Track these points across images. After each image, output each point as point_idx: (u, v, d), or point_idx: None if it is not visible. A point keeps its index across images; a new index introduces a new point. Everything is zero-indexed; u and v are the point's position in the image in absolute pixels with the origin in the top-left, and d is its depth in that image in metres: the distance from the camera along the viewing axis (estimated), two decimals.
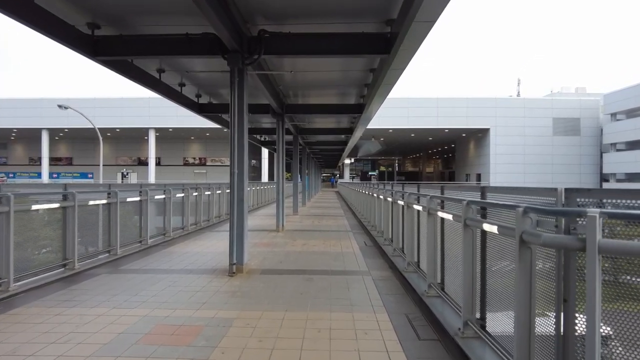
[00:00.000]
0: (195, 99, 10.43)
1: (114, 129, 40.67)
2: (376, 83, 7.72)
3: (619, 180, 39.48)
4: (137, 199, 8.01)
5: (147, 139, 40.65)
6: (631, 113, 38.28)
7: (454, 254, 3.82)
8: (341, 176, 67.67)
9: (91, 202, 6.64)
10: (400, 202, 6.56)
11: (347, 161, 64.14)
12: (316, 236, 9.39)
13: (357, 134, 15.54)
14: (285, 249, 7.62)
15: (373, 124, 36.98)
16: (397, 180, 58.65)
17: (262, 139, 19.45)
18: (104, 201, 6.79)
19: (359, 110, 10.40)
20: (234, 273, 5.42)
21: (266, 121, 12.78)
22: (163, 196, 9.21)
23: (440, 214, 4.13)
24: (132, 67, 6.99)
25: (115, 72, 6.51)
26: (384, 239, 7.90)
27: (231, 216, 5.53)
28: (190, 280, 5.13)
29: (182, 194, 10.37)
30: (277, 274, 5.56)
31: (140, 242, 8.01)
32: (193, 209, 11.11)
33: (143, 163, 45.83)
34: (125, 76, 6.99)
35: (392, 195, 7.78)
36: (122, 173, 48.10)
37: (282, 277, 5.35)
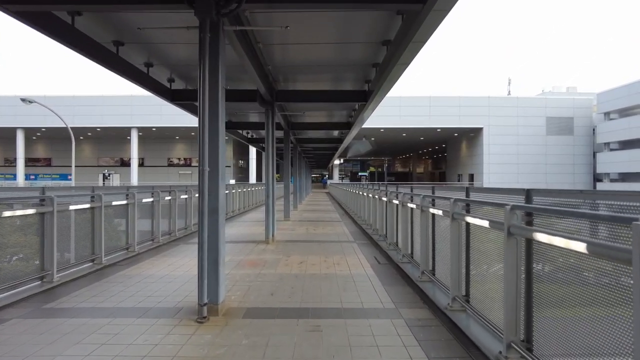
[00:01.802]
0: (167, 84, 8.70)
1: (95, 128, 39.22)
2: (393, 57, 6.11)
3: (612, 180, 39.10)
4: (87, 206, 6.26)
5: (130, 139, 38.88)
6: (624, 112, 37.99)
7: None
8: (330, 177, 66.60)
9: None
10: (433, 211, 4.99)
11: (337, 162, 63.03)
12: (314, 249, 7.74)
13: (355, 130, 13.94)
14: (277, 270, 5.94)
15: (364, 123, 36.00)
16: (388, 181, 57.68)
17: (249, 135, 17.70)
18: (32, 211, 5.03)
19: (362, 98, 8.78)
20: (204, 317, 3.73)
21: (253, 110, 11.06)
22: (125, 201, 7.46)
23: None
24: (73, 31, 5.24)
25: (45, 34, 4.75)
26: (402, 256, 6.30)
27: (200, 234, 3.83)
28: (139, 332, 3.44)
29: (151, 199, 8.63)
30: (268, 317, 3.87)
31: (93, 260, 6.27)
32: (166, 216, 9.37)
33: (126, 164, 44.49)
34: (65, 44, 5.24)
35: (411, 200, 6.22)
36: (104, 174, 46.82)
37: (274, 323, 3.67)
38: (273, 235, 8.64)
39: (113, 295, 4.60)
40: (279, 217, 13.58)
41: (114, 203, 7.16)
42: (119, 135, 41.93)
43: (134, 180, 40.31)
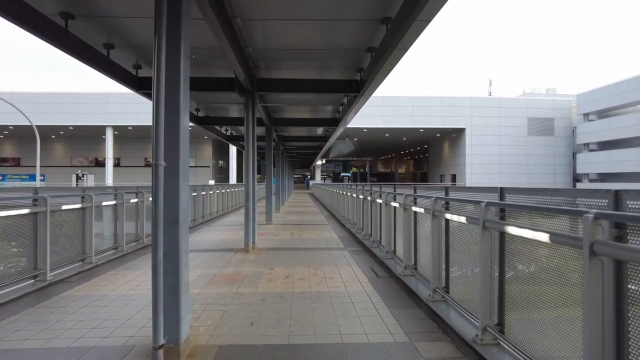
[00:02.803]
0: (133, 71, 7.64)
1: (67, 126, 37.45)
2: (392, 39, 5.24)
3: (591, 180, 39.50)
4: (26, 211, 5.16)
5: (105, 138, 37.37)
6: (603, 113, 38.45)
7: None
8: (312, 177, 65.88)
9: None
10: (450, 217, 4.14)
11: (319, 162, 62.29)
12: (301, 259, 6.80)
13: (342, 128, 13.03)
14: (258, 287, 4.97)
15: (348, 123, 35.30)
16: (370, 182, 57.24)
17: (228, 132, 16.60)
18: None
19: (354, 88, 7.89)
20: None
21: (231, 102, 10.01)
22: (79, 205, 6.37)
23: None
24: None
25: None
26: (404, 267, 5.42)
27: (154, 252, 2.82)
28: None
29: (114, 201, 7.53)
30: None
31: (35, 277, 5.19)
32: (132, 220, 8.29)
33: (101, 164, 43.14)
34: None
35: (414, 202, 5.37)
36: (77, 175, 45.10)
37: None
38: (254, 243, 7.65)
39: (46, 327, 3.56)
40: (261, 221, 12.59)
41: (65, 207, 6.05)
42: (94, 135, 40.36)
43: (109, 180, 38.97)
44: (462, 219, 3.72)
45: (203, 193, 13.81)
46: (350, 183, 54.24)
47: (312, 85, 8.01)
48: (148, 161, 46.52)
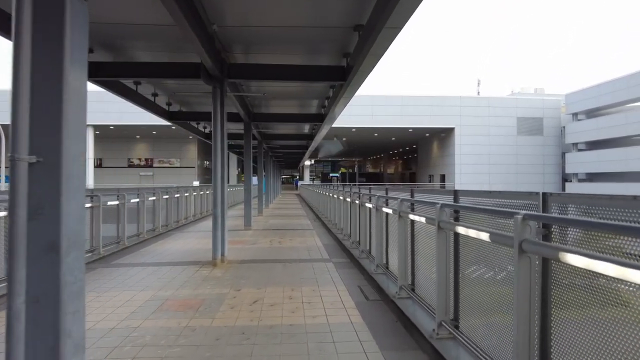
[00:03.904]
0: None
1: None
2: (382, 13, 4.26)
3: (580, 180, 39.23)
4: None
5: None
6: (591, 113, 38.20)
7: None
8: (301, 178, 65.01)
9: None
10: (462, 231, 3.24)
11: (307, 162, 61.41)
12: (277, 275, 5.76)
13: (328, 125, 12.02)
14: (215, 320, 3.91)
15: (336, 123, 34.52)
16: (359, 182, 56.48)
17: (206, 130, 15.46)
18: None
19: (340, 75, 6.89)
20: None
21: (203, 93, 8.89)
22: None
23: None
24: None
25: None
26: (399, 288, 4.41)
27: (10, 302, 1.76)
28: None
29: None
30: None
31: None
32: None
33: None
34: None
35: (411, 208, 4.40)
36: None
37: None
38: (223, 255, 6.57)
39: None
40: (239, 225, 11.52)
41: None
42: None
43: (90, 182, 37.49)
44: (483, 235, 2.76)
45: (177, 195, 12.66)
46: (338, 184, 53.41)
47: (292, 72, 6.99)
48: (131, 162, 45.19)
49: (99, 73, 6.65)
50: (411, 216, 4.14)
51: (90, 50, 6.57)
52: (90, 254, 7.17)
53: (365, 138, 43.53)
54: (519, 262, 2.12)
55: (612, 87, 34.37)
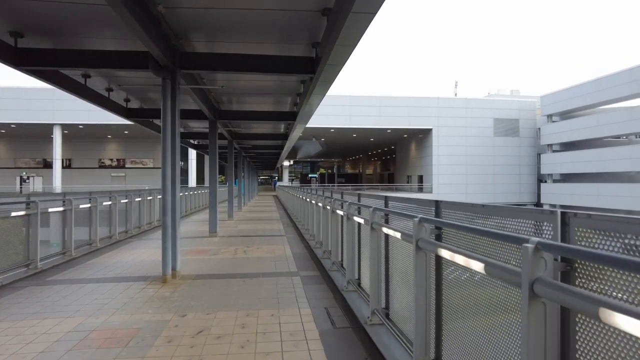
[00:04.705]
0: (11, 41, 5.64)
1: (9, 124, 34.04)
2: None
3: (555, 181, 39.79)
4: None
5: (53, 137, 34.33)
6: (565, 115, 38.74)
7: None
8: (280, 178, 64.19)
9: None
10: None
11: (286, 163, 60.72)
12: (233, 296, 5.01)
13: (302, 124, 11.31)
14: (146, 355, 3.15)
15: (314, 123, 33.84)
16: (338, 183, 56.06)
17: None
18: None
19: (309, 67, 6.20)
20: None
21: (154, 85, 8.04)
22: None
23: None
24: None
25: None
26: (371, 312, 3.74)
27: None
28: None
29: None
30: None
31: None
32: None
33: (50, 165, 39.44)
34: None
35: (385, 219, 3.75)
36: (22, 177, 41.44)
37: None
38: (175, 270, 5.77)
39: None
40: (203, 232, 10.68)
41: None
42: (41, 134, 36.80)
43: (57, 183, 35.87)
44: (475, 265, 2.11)
45: (138, 199, 11.72)
46: (317, 185, 52.78)
47: (256, 63, 6.26)
48: (102, 162, 43.78)
49: (30, 61, 5.76)
50: (385, 229, 3.47)
51: (20, 35, 5.69)
52: (24, 269, 6.28)
53: (344, 139, 43.14)
54: (528, 309, 1.49)
55: (585, 90, 34.87)
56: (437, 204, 2.70)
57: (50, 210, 7.21)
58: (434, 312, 2.70)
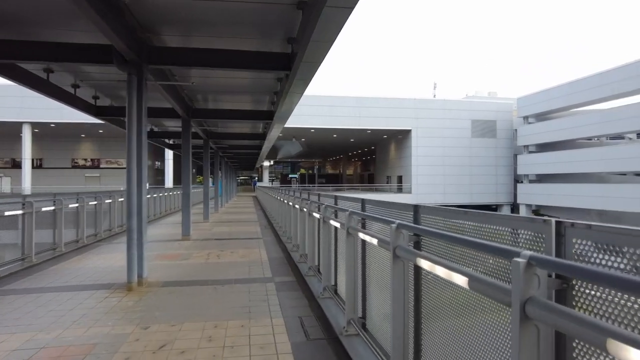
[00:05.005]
0: None
1: None
2: None
3: (531, 181, 40.55)
4: None
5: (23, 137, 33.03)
6: (541, 116, 39.54)
7: None
8: (260, 179, 63.61)
9: None
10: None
11: (267, 163, 60.23)
12: (202, 305, 4.71)
13: (280, 124, 11.03)
14: None
15: (294, 123, 33.53)
16: (318, 183, 55.92)
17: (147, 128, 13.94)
18: None
19: (284, 64, 5.95)
20: None
21: (116, 78, 7.64)
22: None
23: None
24: None
25: None
26: (347, 322, 3.53)
27: None
28: None
29: None
30: None
31: None
32: None
33: (19, 165, 37.92)
34: None
35: (362, 225, 3.55)
36: None
37: None
38: (141, 277, 5.43)
39: None
40: (176, 235, 10.29)
41: None
42: (10, 132, 35.18)
43: (26, 184, 34.46)
44: (458, 279, 1.88)
45: (108, 201, 11.21)
46: (297, 185, 52.43)
47: (229, 57, 5.97)
48: (75, 162, 42.43)
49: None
50: (361, 235, 3.26)
51: None
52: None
53: (324, 139, 43.01)
54: (519, 330, 1.31)
55: (560, 92, 35.67)
56: (415, 208, 2.49)
57: (7, 213, 6.74)
58: (413, 326, 2.50)
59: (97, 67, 7.10)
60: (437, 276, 1.98)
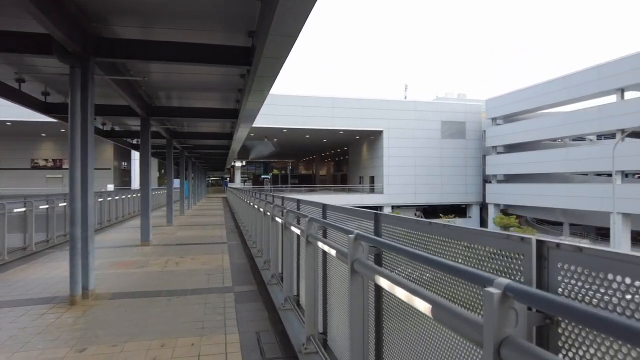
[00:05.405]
0: None
1: None
2: None
3: (499, 181, 41.55)
4: None
5: None
6: (509, 118, 40.58)
7: None
8: (232, 180, 62.56)
9: None
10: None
11: (239, 164, 59.28)
12: (151, 320, 4.29)
13: (246, 124, 10.62)
14: None
15: (266, 123, 32.93)
16: (291, 184, 55.47)
17: (104, 127, 13.19)
18: None
19: (244, 58, 5.60)
20: None
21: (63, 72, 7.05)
22: None
23: None
24: None
25: None
26: (306, 339, 3.22)
27: None
28: None
29: None
30: None
31: None
32: None
33: None
34: None
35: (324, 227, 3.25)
36: None
37: None
38: (87, 289, 4.94)
39: None
40: (135, 240, 9.71)
41: None
42: None
43: None
44: (421, 304, 1.57)
45: (63, 204, 10.47)
46: (270, 186, 51.76)
47: (187, 51, 5.57)
48: (35, 163, 40.51)
49: None
50: (320, 244, 2.96)
51: None
52: None
53: (296, 139, 42.68)
54: None
55: (527, 95, 36.67)
56: (376, 217, 2.21)
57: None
58: (374, 348, 2.22)
59: (41, 59, 6.52)
60: (400, 299, 1.70)
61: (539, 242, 1.09)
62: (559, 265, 1.04)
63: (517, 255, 1.18)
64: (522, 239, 1.15)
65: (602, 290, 0.92)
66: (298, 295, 4.32)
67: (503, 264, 1.23)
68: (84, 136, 4.99)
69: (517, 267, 1.18)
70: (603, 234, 30.85)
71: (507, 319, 1.03)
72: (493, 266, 1.28)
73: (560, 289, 1.04)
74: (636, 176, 34.11)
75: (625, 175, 29.32)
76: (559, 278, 1.04)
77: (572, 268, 1.00)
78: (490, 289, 1.04)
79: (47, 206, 9.80)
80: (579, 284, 0.99)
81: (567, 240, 29.67)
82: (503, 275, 1.23)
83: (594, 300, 0.94)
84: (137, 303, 4.81)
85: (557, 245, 1.05)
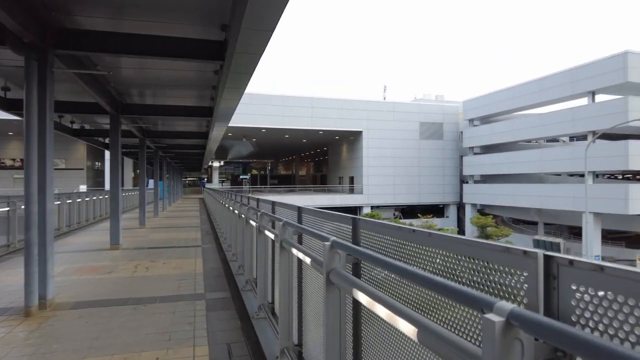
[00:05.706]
0: None
1: None
2: None
3: (476, 182, 42.22)
4: None
5: None
6: (485, 119, 41.26)
7: None
8: (210, 180, 61.54)
9: None
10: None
11: (217, 164, 58.34)
12: (114, 332, 3.97)
13: (222, 122, 10.30)
14: None
15: (244, 122, 32.43)
16: (270, 184, 55.04)
17: (73, 125, 12.63)
18: None
19: (218, 54, 5.33)
20: None
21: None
22: None
23: None
24: None
25: None
26: (281, 350, 3.00)
27: None
28: None
29: None
30: None
31: None
32: None
33: None
34: None
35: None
36: None
37: None
38: (45, 299, 4.57)
39: None
40: (104, 243, 9.27)
41: None
42: None
43: None
44: (405, 326, 1.32)
45: (7, 209, 9.68)
46: (248, 187, 51.19)
47: (157, 44, 5.25)
48: (2, 162, 39.09)
49: None
50: (294, 251, 2.74)
51: None
52: None
53: (276, 139, 42.32)
54: None
55: (503, 96, 37.35)
56: (354, 222, 2.01)
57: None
58: None
59: None
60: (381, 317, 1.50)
61: (547, 257, 0.91)
62: (573, 287, 0.86)
63: (518, 272, 0.99)
64: (525, 252, 0.96)
65: (631, 321, 0.74)
66: (273, 302, 4.09)
67: (501, 281, 1.05)
68: (41, 134, 4.63)
69: (519, 285, 0.99)
70: (575, 232, 31.69)
71: (510, 352, 0.85)
72: (489, 284, 1.10)
73: (574, 317, 0.85)
74: (606, 176, 35.18)
75: (596, 175, 30.15)
76: (573, 302, 0.86)
77: (591, 291, 0.82)
78: (491, 316, 0.85)
79: (7, 209, 9.24)
80: (599, 311, 0.80)
81: (543, 238, 30.32)
82: (500, 295, 1.04)
83: (620, 334, 0.76)
84: (101, 313, 4.48)
85: (570, 262, 0.86)
